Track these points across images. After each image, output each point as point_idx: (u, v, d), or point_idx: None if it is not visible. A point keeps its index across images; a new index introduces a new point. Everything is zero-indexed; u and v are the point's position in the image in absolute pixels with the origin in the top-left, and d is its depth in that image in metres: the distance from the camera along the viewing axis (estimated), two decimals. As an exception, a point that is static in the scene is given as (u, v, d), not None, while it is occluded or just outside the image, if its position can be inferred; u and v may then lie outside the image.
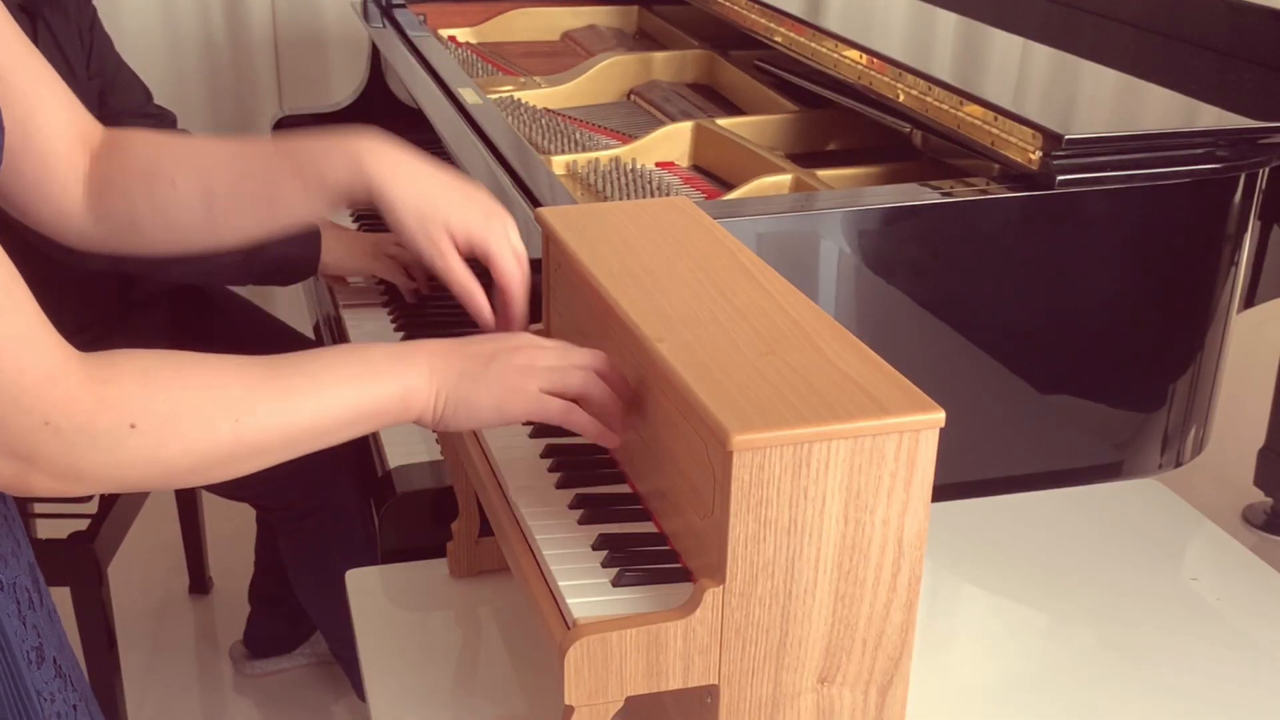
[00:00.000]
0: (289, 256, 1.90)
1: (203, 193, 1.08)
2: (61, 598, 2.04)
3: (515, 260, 1.13)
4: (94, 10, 2.09)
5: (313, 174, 1.08)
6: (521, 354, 0.99)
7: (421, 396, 0.95)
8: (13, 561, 0.95)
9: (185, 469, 0.86)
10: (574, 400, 0.99)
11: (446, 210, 1.09)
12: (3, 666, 0.94)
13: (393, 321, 1.90)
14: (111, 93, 2.11)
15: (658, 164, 1.89)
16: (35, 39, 1.90)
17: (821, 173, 1.72)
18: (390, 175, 1.08)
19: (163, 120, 2.18)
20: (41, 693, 0.97)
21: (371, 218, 2.21)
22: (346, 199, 1.09)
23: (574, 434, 1.12)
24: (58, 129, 1.04)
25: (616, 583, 0.92)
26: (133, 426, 0.83)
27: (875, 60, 1.81)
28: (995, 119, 1.58)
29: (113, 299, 2.05)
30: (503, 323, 1.14)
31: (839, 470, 0.86)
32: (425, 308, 1.92)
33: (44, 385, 0.80)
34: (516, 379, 0.97)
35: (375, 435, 1.59)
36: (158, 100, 2.48)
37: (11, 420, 0.80)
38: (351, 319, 1.93)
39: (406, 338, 1.84)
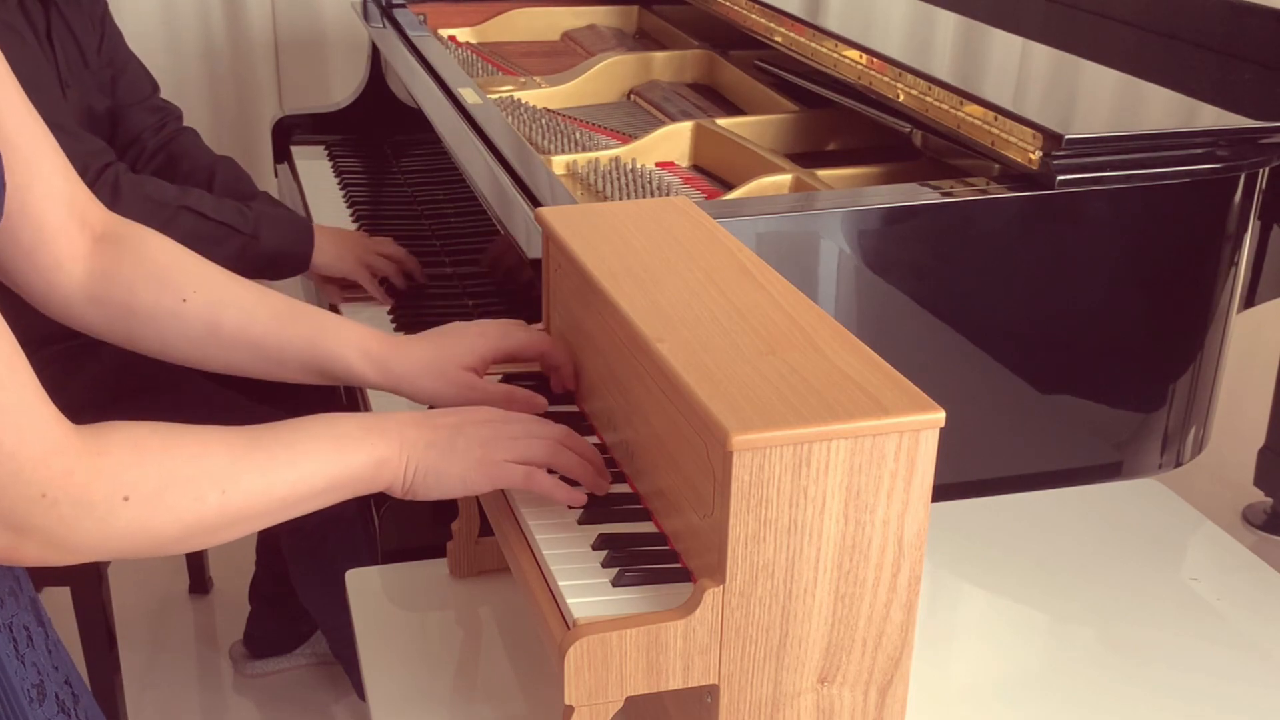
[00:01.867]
0: (281, 250, 1.92)
1: (210, 321, 1.10)
2: (61, 598, 2.05)
3: (529, 337, 1.16)
4: (105, 3, 2.09)
5: (320, 362, 1.12)
6: (488, 427, 1.02)
7: (392, 466, 0.98)
8: (10, 601, 0.95)
9: (172, 538, 0.88)
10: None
11: (452, 356, 1.12)
12: (5, 706, 0.94)
13: (392, 321, 1.91)
14: (120, 83, 2.12)
15: (658, 164, 1.89)
16: (49, 29, 1.91)
17: (821, 173, 1.72)
18: (393, 372, 1.12)
19: (168, 114, 2.19)
20: None
21: (370, 217, 2.21)
22: (339, 382, 1.14)
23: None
24: (55, 200, 1.03)
25: (616, 583, 0.92)
26: (126, 499, 0.84)
27: (875, 60, 1.81)
28: (995, 119, 1.58)
29: None
30: (558, 385, 1.18)
31: (839, 470, 0.86)
32: (423, 308, 1.92)
33: (43, 458, 0.81)
34: (482, 451, 1.00)
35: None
36: (158, 100, 2.47)
37: (10, 491, 0.80)
38: (351, 319, 1.92)
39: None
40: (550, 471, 1.02)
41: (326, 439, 0.95)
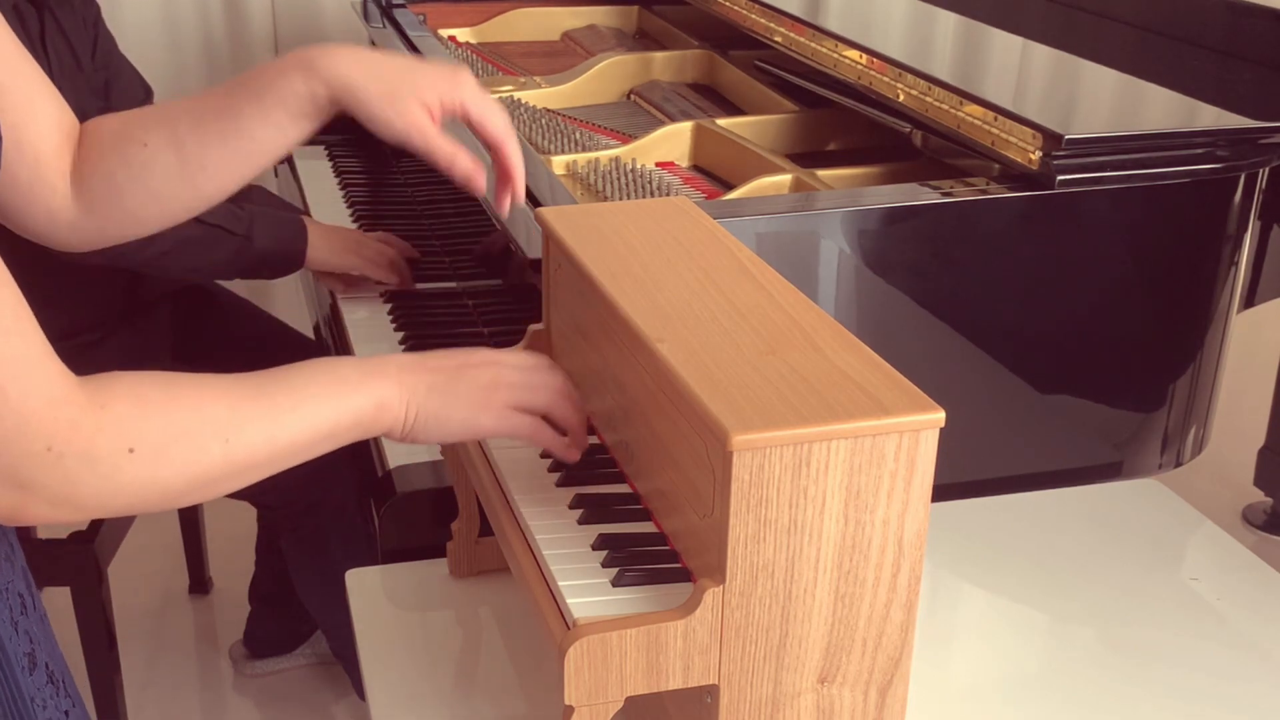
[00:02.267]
0: (275, 250, 1.93)
1: (172, 143, 1.07)
2: (61, 598, 2.05)
3: (498, 111, 1.10)
4: (98, 8, 2.10)
5: (271, 94, 1.06)
6: (488, 369, 1.01)
7: (392, 409, 0.97)
8: (5, 567, 0.95)
9: (179, 490, 0.88)
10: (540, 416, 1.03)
11: (413, 85, 1.06)
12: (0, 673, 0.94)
13: (393, 321, 1.90)
14: (114, 91, 2.12)
15: (658, 164, 1.89)
16: (43, 32, 1.91)
17: (821, 173, 1.72)
18: (348, 71, 1.05)
19: None
20: (34, 699, 0.97)
21: (370, 217, 2.21)
22: (311, 112, 1.07)
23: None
24: (48, 130, 1.04)
25: (616, 583, 0.93)
26: (131, 451, 0.84)
27: (875, 60, 1.81)
28: (995, 119, 1.58)
29: (119, 299, 2.06)
30: (504, 179, 1.12)
31: (839, 470, 0.86)
32: (424, 308, 1.92)
33: (49, 410, 0.81)
34: (484, 394, 1.00)
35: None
36: (158, 99, 2.47)
37: (15, 445, 0.80)
38: (351, 319, 1.93)
39: (406, 336, 1.84)
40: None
41: (327, 383, 0.95)
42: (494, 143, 1.11)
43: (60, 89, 2.00)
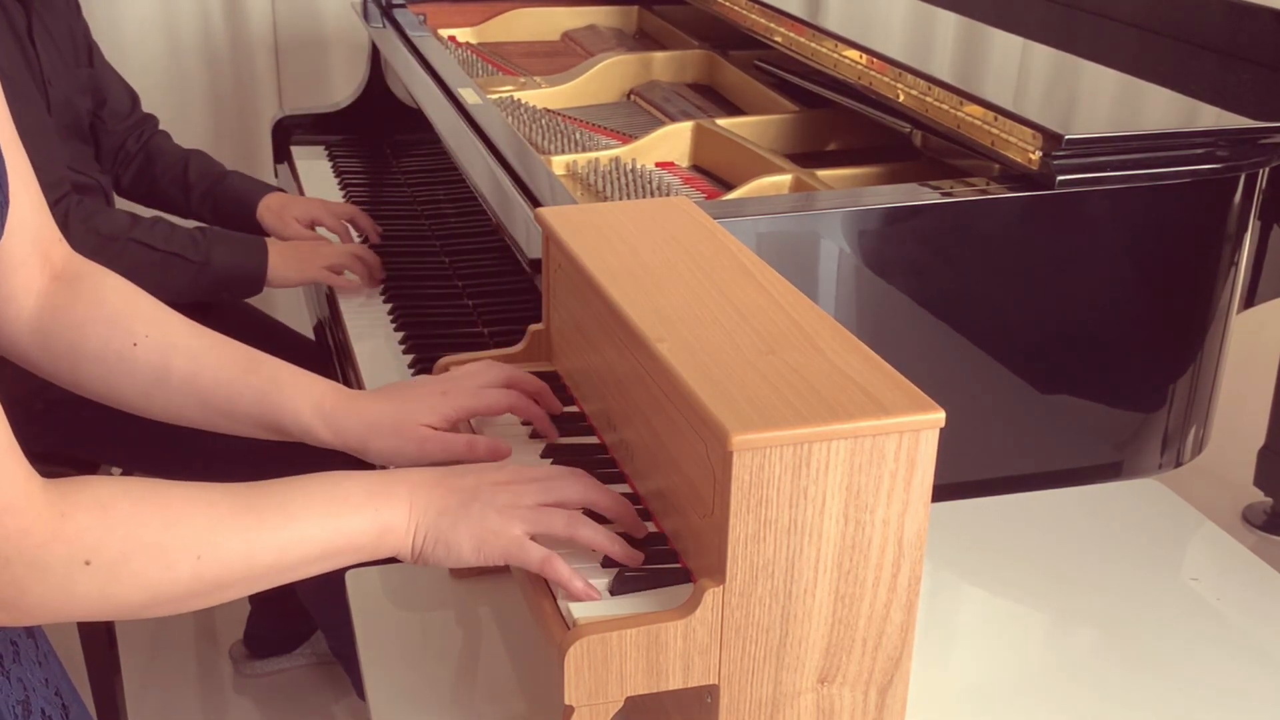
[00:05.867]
0: (233, 275, 1.95)
1: (159, 367, 1.05)
2: (61, 598, 2.05)
3: (498, 398, 1.10)
4: (78, 6, 2.13)
5: (271, 417, 1.06)
6: (506, 491, 0.94)
7: (398, 534, 0.91)
8: None
9: (138, 604, 0.83)
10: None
11: (410, 415, 1.06)
12: None
13: (393, 321, 1.91)
14: (105, 106, 2.16)
15: (658, 164, 1.89)
16: (30, 28, 1.92)
17: (821, 173, 1.72)
18: (346, 430, 1.06)
19: (146, 124, 2.26)
20: None
21: (371, 218, 2.21)
22: (292, 439, 1.08)
23: (574, 434, 1.13)
24: (23, 232, 0.99)
25: (616, 583, 0.92)
26: (87, 563, 0.79)
27: (875, 60, 1.81)
28: (995, 119, 1.58)
29: None
30: (543, 411, 1.12)
31: (839, 470, 0.86)
32: (425, 308, 1.92)
33: (2, 516, 0.77)
34: (499, 521, 0.93)
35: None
36: (158, 100, 2.49)
37: None
38: (351, 319, 1.93)
39: (407, 336, 1.84)
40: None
41: (325, 501, 0.89)
42: (523, 414, 1.11)
43: (50, 83, 2.03)
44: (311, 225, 2.12)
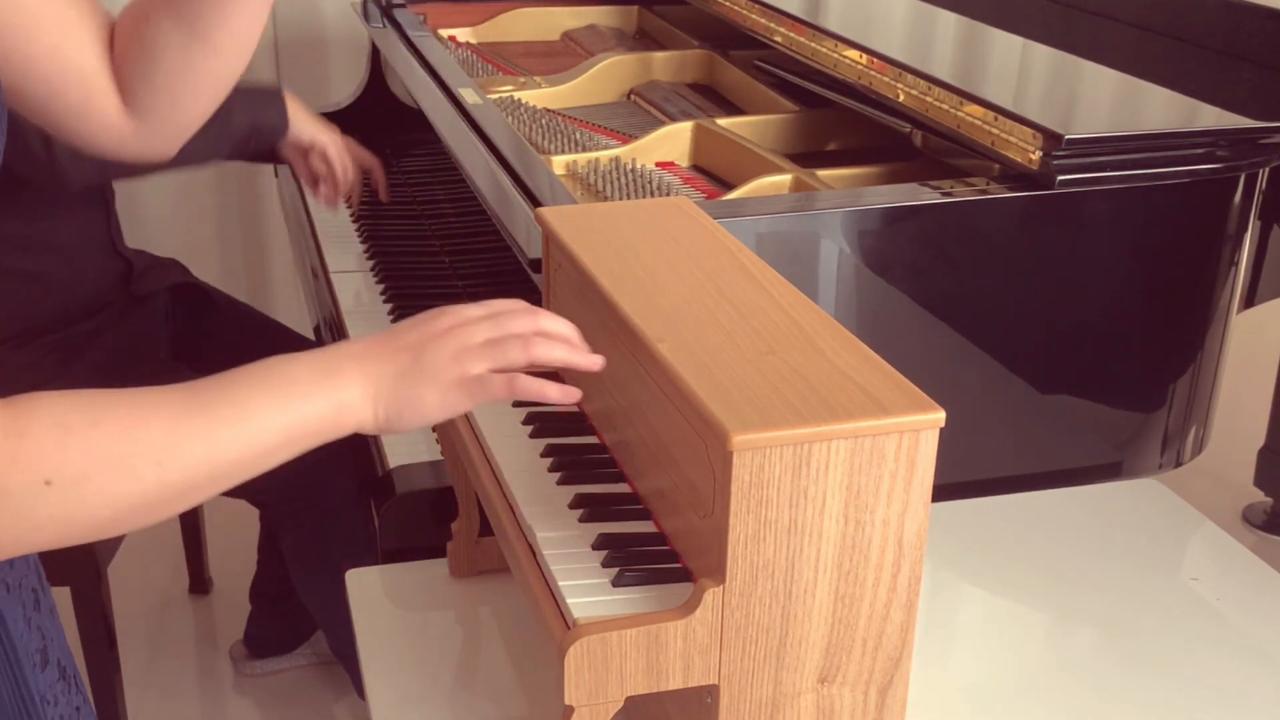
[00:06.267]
0: (257, 123, 1.95)
1: (169, 6, 0.99)
2: (61, 598, 2.04)
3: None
4: None
5: None
6: (453, 336, 0.93)
7: (356, 409, 0.90)
8: (19, 562, 0.94)
9: (105, 521, 0.81)
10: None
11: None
12: (6, 670, 0.93)
13: (393, 321, 1.90)
14: None
15: (658, 164, 1.89)
16: None
17: (821, 173, 1.72)
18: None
19: None
20: (44, 696, 0.96)
21: (370, 217, 2.20)
22: None
23: (574, 434, 1.13)
24: (89, 43, 0.98)
25: (616, 583, 0.92)
26: (47, 483, 0.78)
27: (875, 60, 1.81)
28: (995, 119, 1.58)
29: (114, 290, 2.07)
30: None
31: (839, 470, 0.86)
32: (426, 308, 1.92)
33: None
34: (456, 366, 0.91)
35: (375, 435, 1.60)
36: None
37: None
38: (351, 320, 1.93)
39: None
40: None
41: (278, 388, 0.87)
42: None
43: None
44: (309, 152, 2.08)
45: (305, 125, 1.99)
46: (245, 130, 1.93)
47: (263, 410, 0.86)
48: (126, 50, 1.01)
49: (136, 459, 0.80)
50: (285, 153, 2.04)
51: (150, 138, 1.04)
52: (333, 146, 2.02)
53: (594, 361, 0.96)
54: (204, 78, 1.03)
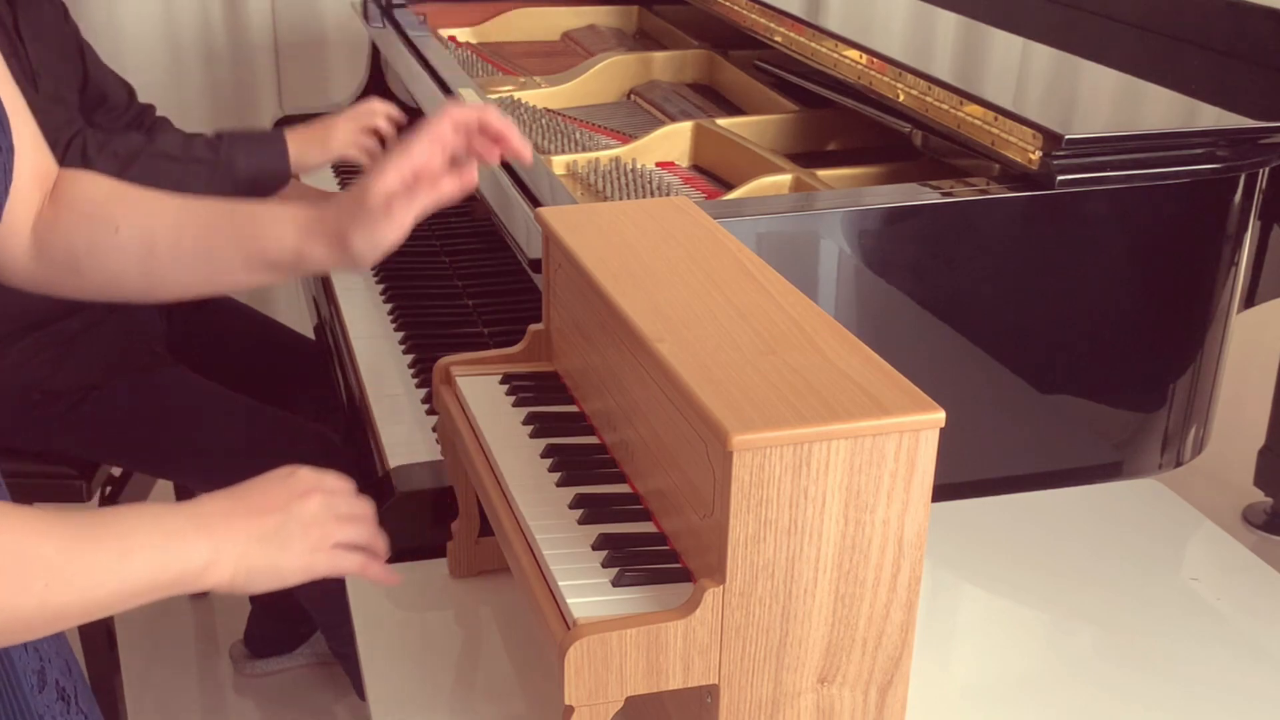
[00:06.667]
0: (260, 171, 1.93)
1: (143, 243, 1.06)
2: (61, 598, 2.05)
3: (445, 126, 1.08)
4: (65, 10, 2.14)
5: (254, 246, 1.07)
6: (315, 501, 0.96)
7: (219, 566, 0.91)
8: None
9: None
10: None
11: (366, 184, 1.05)
12: (5, 691, 0.93)
13: (393, 322, 1.91)
14: (104, 104, 2.16)
15: (658, 164, 1.89)
16: (16, 23, 1.94)
17: (821, 173, 1.72)
18: (329, 227, 1.05)
19: (146, 114, 2.24)
20: (44, 716, 0.96)
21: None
22: (291, 271, 1.08)
23: (574, 434, 1.13)
24: (24, 171, 1.02)
25: (616, 583, 0.92)
26: None
27: (875, 60, 1.81)
28: (995, 119, 1.58)
29: None
30: (509, 151, 1.10)
31: (839, 470, 0.86)
32: (425, 308, 1.92)
33: None
34: (318, 532, 0.96)
35: (375, 435, 1.60)
36: (158, 100, 2.50)
37: None
38: (351, 320, 1.93)
39: (407, 337, 1.84)
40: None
41: (157, 536, 0.88)
42: (493, 133, 1.10)
43: (40, 77, 2.04)
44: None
45: (314, 158, 1.96)
46: (248, 180, 1.92)
47: (140, 553, 0.87)
48: (75, 230, 1.05)
49: (29, 575, 0.80)
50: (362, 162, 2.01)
51: (36, 280, 1.07)
52: (358, 112, 1.96)
53: (386, 579, 1.04)
54: (127, 292, 1.09)
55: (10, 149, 0.92)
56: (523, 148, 1.10)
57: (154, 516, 0.89)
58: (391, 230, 1.04)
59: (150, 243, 1.06)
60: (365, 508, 1.01)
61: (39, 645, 0.96)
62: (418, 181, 1.05)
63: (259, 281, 1.09)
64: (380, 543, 1.01)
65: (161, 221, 1.07)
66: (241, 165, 1.91)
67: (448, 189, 1.06)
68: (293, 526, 0.95)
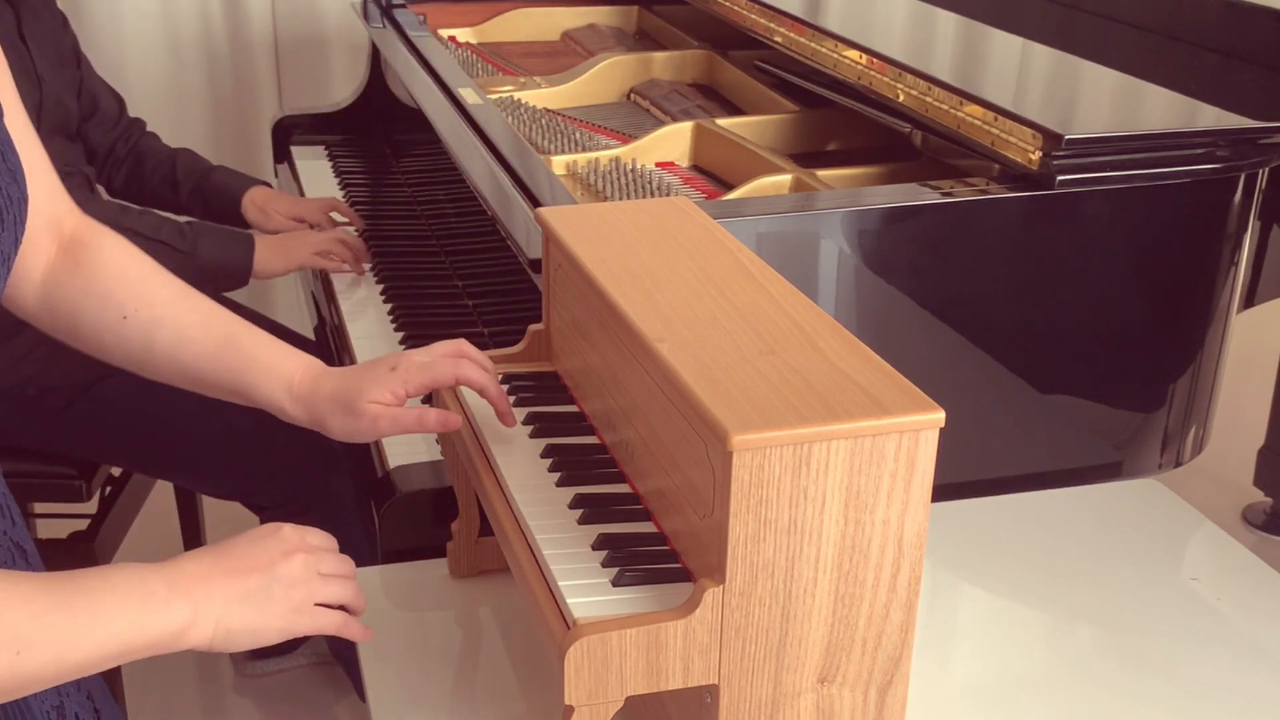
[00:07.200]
0: (220, 266, 1.99)
1: (144, 340, 1.09)
2: (61, 598, 2.05)
3: (450, 363, 1.13)
4: (64, 18, 2.18)
5: (243, 385, 1.11)
6: (298, 561, 0.96)
7: (198, 628, 0.90)
8: None
9: None
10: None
11: (359, 391, 1.10)
12: None
13: (393, 322, 1.91)
14: (95, 114, 2.20)
15: (658, 164, 1.89)
16: (20, 26, 1.95)
17: (821, 173, 1.72)
18: (312, 410, 1.10)
19: (134, 127, 2.30)
20: None
21: (370, 217, 2.20)
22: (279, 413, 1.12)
23: (574, 434, 1.13)
24: (36, 214, 1.03)
25: (616, 583, 0.92)
26: None
27: (875, 60, 1.81)
28: (995, 119, 1.58)
29: None
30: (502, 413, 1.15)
31: (839, 470, 0.86)
32: (425, 308, 1.93)
33: None
34: (301, 592, 0.95)
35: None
36: (158, 99, 2.51)
37: None
38: (351, 320, 1.93)
39: (407, 337, 1.84)
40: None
41: (132, 599, 0.87)
42: (474, 386, 1.14)
43: (44, 80, 2.05)
44: (296, 219, 2.18)
45: (276, 265, 2.04)
46: (208, 269, 1.97)
47: (116, 616, 0.85)
48: (85, 299, 1.08)
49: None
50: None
51: (30, 317, 1.11)
52: (326, 233, 2.08)
53: (363, 637, 1.02)
54: (116, 363, 1.12)
55: (24, 199, 0.92)
56: (507, 414, 1.14)
57: (131, 579, 0.88)
58: (369, 436, 1.11)
59: (150, 342, 1.09)
60: (348, 565, 1.01)
61: None
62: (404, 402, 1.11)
63: (235, 401, 1.13)
64: (361, 600, 1.00)
65: (167, 326, 1.10)
66: (206, 257, 1.97)
67: (431, 420, 1.12)
68: (275, 588, 0.94)
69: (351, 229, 2.15)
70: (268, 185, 2.27)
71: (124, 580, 0.87)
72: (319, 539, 1.00)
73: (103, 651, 0.85)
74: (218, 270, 1.98)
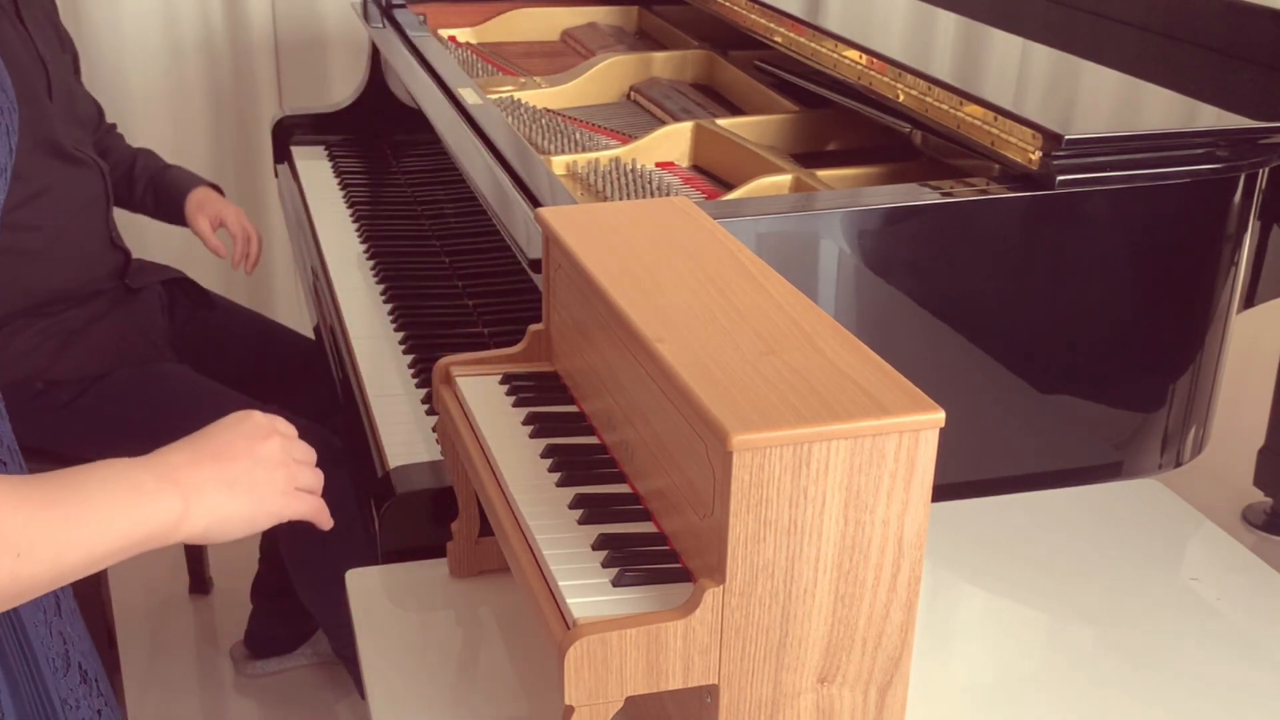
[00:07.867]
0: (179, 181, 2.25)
1: None
2: (62, 598, 2.05)
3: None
4: (55, 6, 2.22)
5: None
6: (273, 442, 0.95)
7: (190, 518, 0.89)
8: None
9: None
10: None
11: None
12: (27, 676, 0.93)
13: (393, 322, 1.91)
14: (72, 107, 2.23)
15: (658, 164, 1.89)
16: (19, 10, 2.00)
17: (821, 173, 1.72)
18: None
19: (109, 135, 2.34)
20: (66, 700, 0.96)
21: (370, 217, 2.20)
22: None
23: (574, 434, 1.13)
24: None
25: (616, 583, 0.93)
26: None
27: (875, 60, 1.81)
28: (995, 119, 1.58)
29: (111, 281, 2.13)
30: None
31: (839, 470, 0.86)
32: (425, 308, 1.92)
33: None
34: (284, 475, 0.95)
35: (375, 435, 1.60)
36: (158, 99, 2.53)
37: None
38: (351, 320, 1.93)
39: (407, 337, 1.84)
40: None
41: (123, 493, 0.86)
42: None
43: (45, 60, 2.10)
44: (218, 224, 2.27)
45: (210, 201, 2.25)
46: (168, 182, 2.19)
47: (110, 511, 0.85)
48: None
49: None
50: (193, 224, 2.27)
51: None
52: (232, 214, 2.26)
53: (329, 521, 1.03)
54: None
55: (14, 109, 0.91)
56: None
57: (119, 473, 0.87)
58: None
59: None
60: (312, 451, 1.01)
61: (63, 629, 0.96)
62: None
63: None
64: (320, 485, 1.00)
65: None
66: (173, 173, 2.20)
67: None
68: (258, 472, 0.93)
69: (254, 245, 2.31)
70: (215, 187, 2.33)
71: (112, 475, 0.87)
72: (286, 425, 0.99)
73: (99, 549, 0.84)
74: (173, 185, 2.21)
